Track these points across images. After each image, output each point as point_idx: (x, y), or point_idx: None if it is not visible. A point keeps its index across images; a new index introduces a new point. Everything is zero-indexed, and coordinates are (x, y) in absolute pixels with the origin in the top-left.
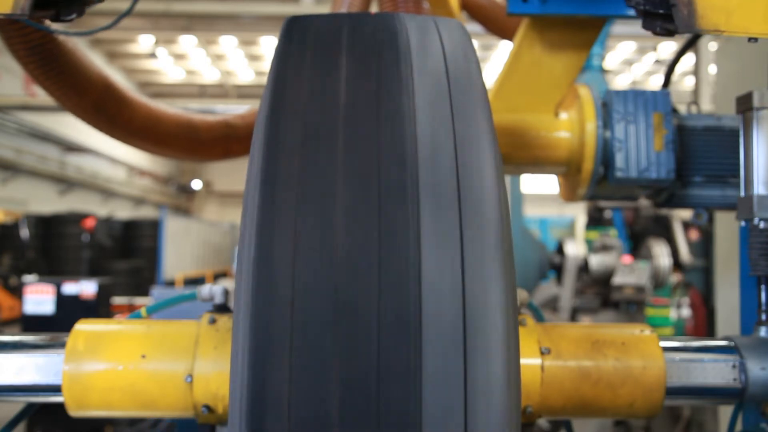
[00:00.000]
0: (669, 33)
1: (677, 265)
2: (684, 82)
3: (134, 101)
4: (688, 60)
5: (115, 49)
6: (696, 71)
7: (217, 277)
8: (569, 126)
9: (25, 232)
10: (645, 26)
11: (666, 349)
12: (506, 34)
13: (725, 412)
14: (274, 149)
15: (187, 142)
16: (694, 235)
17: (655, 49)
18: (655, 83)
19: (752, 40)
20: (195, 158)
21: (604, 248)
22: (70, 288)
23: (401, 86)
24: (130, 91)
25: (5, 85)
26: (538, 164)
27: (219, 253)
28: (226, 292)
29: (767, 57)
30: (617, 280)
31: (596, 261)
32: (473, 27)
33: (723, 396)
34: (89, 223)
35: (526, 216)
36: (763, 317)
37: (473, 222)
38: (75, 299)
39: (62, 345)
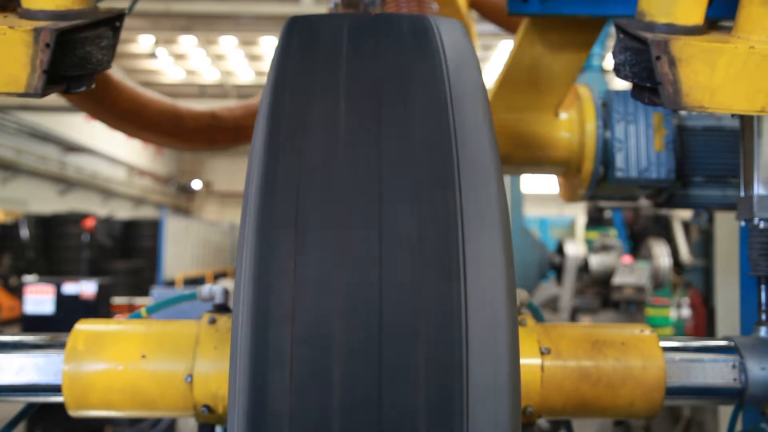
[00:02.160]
0: (656, 104)
1: (677, 265)
2: None
3: (120, 84)
4: None
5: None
6: None
7: (217, 277)
8: (569, 126)
9: (25, 232)
10: (633, 96)
11: (666, 349)
12: (516, 29)
13: (725, 412)
14: (274, 149)
15: (171, 128)
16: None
17: None
18: None
19: (734, 116)
20: (178, 146)
21: (604, 248)
22: (70, 288)
23: (401, 87)
24: (116, 74)
25: None
26: (538, 164)
27: (219, 253)
28: (226, 292)
29: None
30: (617, 280)
31: (596, 261)
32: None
33: (723, 396)
34: (89, 223)
35: (526, 216)
36: (763, 317)
37: (473, 223)
38: (75, 299)
39: (62, 345)
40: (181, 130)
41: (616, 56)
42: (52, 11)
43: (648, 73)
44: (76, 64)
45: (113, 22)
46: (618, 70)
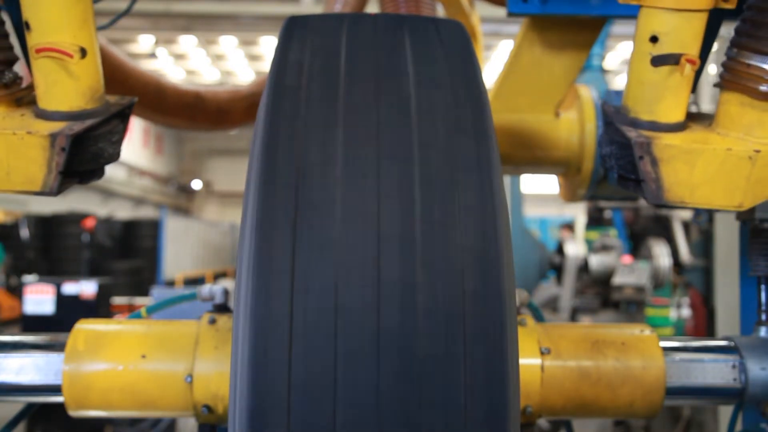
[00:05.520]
0: (640, 195)
1: (677, 265)
2: None
3: (104, 50)
4: None
5: None
6: None
7: (217, 277)
8: (569, 126)
9: (25, 232)
10: (619, 185)
11: (666, 349)
12: None
13: (725, 412)
14: (274, 149)
15: (152, 101)
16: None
17: None
18: None
19: (714, 211)
20: (158, 120)
21: (604, 248)
22: (70, 288)
23: (401, 88)
24: (100, 39)
25: None
26: (538, 164)
27: (219, 253)
28: (226, 292)
29: None
30: (617, 280)
31: (596, 261)
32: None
33: (723, 396)
34: (89, 223)
35: (526, 216)
36: (763, 317)
37: (472, 223)
38: (75, 299)
39: (62, 345)
40: (162, 104)
41: (603, 147)
42: (66, 112)
43: (632, 167)
44: (90, 160)
45: (124, 112)
46: (604, 161)
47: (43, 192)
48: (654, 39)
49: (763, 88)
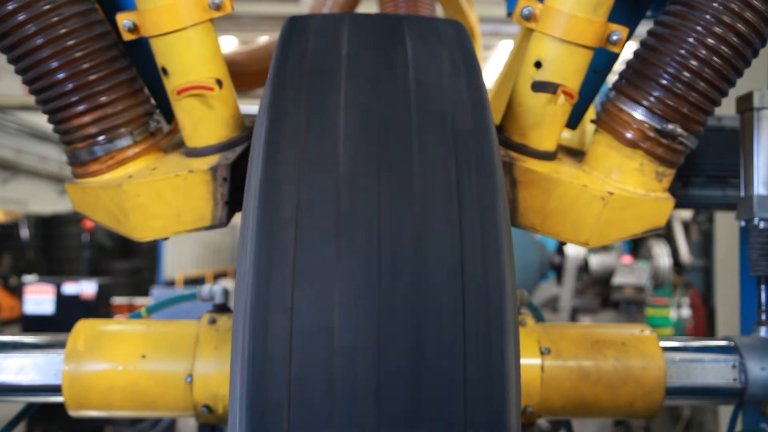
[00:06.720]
0: None
1: (677, 265)
2: None
3: None
4: None
5: None
6: None
7: (217, 277)
8: None
9: (25, 232)
10: None
11: (666, 349)
12: None
13: (725, 412)
14: (274, 148)
15: None
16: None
17: None
18: None
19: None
20: None
21: (604, 248)
22: (70, 288)
23: (401, 88)
24: None
25: (5, 85)
26: None
27: (219, 253)
28: (226, 292)
29: (767, 57)
30: (617, 280)
31: (596, 261)
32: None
33: (723, 396)
34: (89, 223)
35: None
36: (763, 317)
37: (473, 223)
38: (75, 299)
39: (62, 345)
40: None
41: None
42: (216, 145)
43: None
44: (243, 187)
45: None
46: None
47: (214, 225)
48: (538, 64)
49: (629, 134)
